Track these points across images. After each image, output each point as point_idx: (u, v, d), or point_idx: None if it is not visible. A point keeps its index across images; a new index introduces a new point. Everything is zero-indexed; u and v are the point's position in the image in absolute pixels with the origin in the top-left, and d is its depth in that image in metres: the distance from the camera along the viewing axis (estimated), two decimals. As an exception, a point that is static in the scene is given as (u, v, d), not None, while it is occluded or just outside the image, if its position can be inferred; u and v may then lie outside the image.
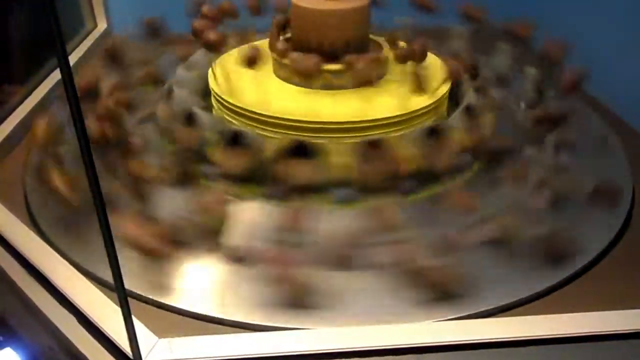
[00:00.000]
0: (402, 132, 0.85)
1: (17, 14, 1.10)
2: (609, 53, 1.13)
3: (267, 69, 0.97)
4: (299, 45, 0.95)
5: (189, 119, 0.89)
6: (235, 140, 0.83)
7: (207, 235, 0.72)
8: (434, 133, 0.84)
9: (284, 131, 0.84)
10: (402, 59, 0.93)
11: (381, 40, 1.01)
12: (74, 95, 0.45)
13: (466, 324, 0.63)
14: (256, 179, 0.81)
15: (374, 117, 0.84)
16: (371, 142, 0.81)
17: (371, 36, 1.00)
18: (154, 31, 1.06)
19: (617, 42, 1.14)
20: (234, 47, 1.09)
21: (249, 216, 0.77)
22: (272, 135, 0.85)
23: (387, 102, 0.88)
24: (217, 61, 1.03)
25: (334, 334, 0.61)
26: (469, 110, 0.90)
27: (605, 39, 1.15)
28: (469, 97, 0.95)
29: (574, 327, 0.62)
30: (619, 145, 0.97)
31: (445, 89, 0.92)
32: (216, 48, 0.94)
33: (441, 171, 0.81)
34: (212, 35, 0.92)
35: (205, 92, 1.00)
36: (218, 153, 0.82)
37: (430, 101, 0.88)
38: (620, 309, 0.64)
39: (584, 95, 1.06)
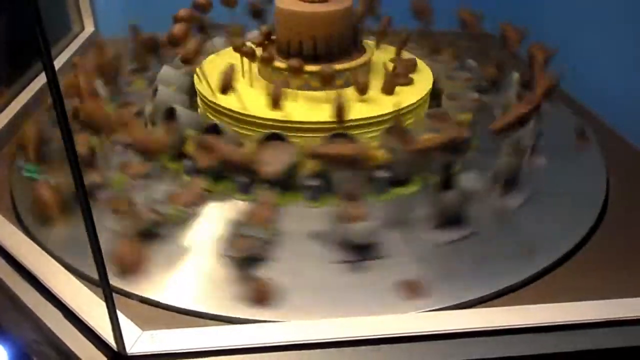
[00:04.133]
0: (375, 134, 0.87)
1: (3, 16, 1.10)
2: (591, 54, 1.16)
3: (251, 69, 0.98)
4: (282, 47, 0.97)
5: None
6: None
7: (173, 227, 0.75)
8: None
9: (260, 130, 0.86)
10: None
11: (369, 43, 1.03)
12: (59, 97, 0.46)
13: (445, 315, 0.65)
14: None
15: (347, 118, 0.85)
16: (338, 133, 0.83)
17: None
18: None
19: (600, 44, 1.17)
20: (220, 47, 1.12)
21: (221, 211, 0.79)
22: (250, 134, 0.87)
23: (363, 104, 0.90)
24: (204, 62, 1.05)
25: (314, 325, 0.62)
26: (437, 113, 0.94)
27: (589, 41, 1.18)
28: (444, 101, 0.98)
29: (550, 317, 0.64)
30: (595, 142, 0.99)
31: (418, 97, 0.93)
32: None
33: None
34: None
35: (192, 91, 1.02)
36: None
37: (404, 104, 0.90)
38: (593, 300, 0.66)
39: (561, 94, 1.08)
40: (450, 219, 0.77)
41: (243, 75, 0.97)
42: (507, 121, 0.85)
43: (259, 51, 0.97)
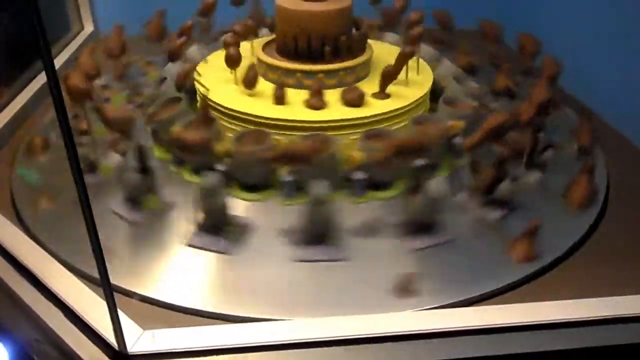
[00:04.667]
0: (396, 127, 0.88)
1: (3, 17, 1.11)
2: (587, 53, 1.16)
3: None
4: (284, 47, 0.97)
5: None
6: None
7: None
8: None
9: (264, 129, 0.86)
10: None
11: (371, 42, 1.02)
12: (59, 97, 0.46)
13: (444, 313, 0.65)
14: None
15: (360, 115, 0.86)
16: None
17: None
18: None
19: (595, 42, 1.17)
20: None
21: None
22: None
23: (371, 100, 0.90)
24: (204, 61, 1.06)
25: (314, 324, 0.63)
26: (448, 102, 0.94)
27: (584, 39, 1.19)
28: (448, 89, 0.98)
29: (549, 315, 0.64)
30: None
31: (422, 92, 0.94)
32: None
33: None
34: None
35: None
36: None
37: (413, 99, 0.91)
38: (592, 297, 0.66)
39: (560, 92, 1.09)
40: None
41: (237, 83, 0.96)
42: (532, 110, 0.84)
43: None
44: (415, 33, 0.96)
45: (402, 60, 0.92)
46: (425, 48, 1.10)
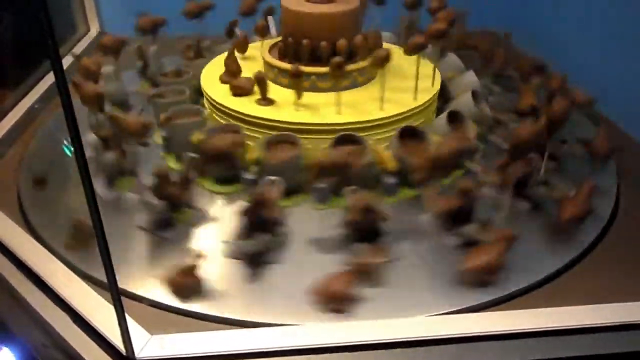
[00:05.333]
0: (384, 135, 0.87)
1: (8, 19, 1.11)
2: (592, 55, 1.15)
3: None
4: (288, 48, 0.96)
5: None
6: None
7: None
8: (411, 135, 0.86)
9: (265, 131, 0.87)
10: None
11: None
12: (67, 99, 0.46)
13: (456, 318, 0.64)
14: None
15: (353, 120, 0.86)
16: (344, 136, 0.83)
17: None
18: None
19: (601, 45, 1.16)
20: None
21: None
22: (257, 136, 0.87)
23: (368, 105, 0.90)
24: (210, 63, 1.05)
25: (325, 329, 0.62)
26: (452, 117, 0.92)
27: (590, 42, 1.18)
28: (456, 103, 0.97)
29: (559, 321, 0.63)
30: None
31: (427, 97, 0.93)
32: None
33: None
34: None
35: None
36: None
37: (408, 107, 0.90)
38: (605, 303, 0.65)
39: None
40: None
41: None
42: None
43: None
44: (433, 28, 0.91)
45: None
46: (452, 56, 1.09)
